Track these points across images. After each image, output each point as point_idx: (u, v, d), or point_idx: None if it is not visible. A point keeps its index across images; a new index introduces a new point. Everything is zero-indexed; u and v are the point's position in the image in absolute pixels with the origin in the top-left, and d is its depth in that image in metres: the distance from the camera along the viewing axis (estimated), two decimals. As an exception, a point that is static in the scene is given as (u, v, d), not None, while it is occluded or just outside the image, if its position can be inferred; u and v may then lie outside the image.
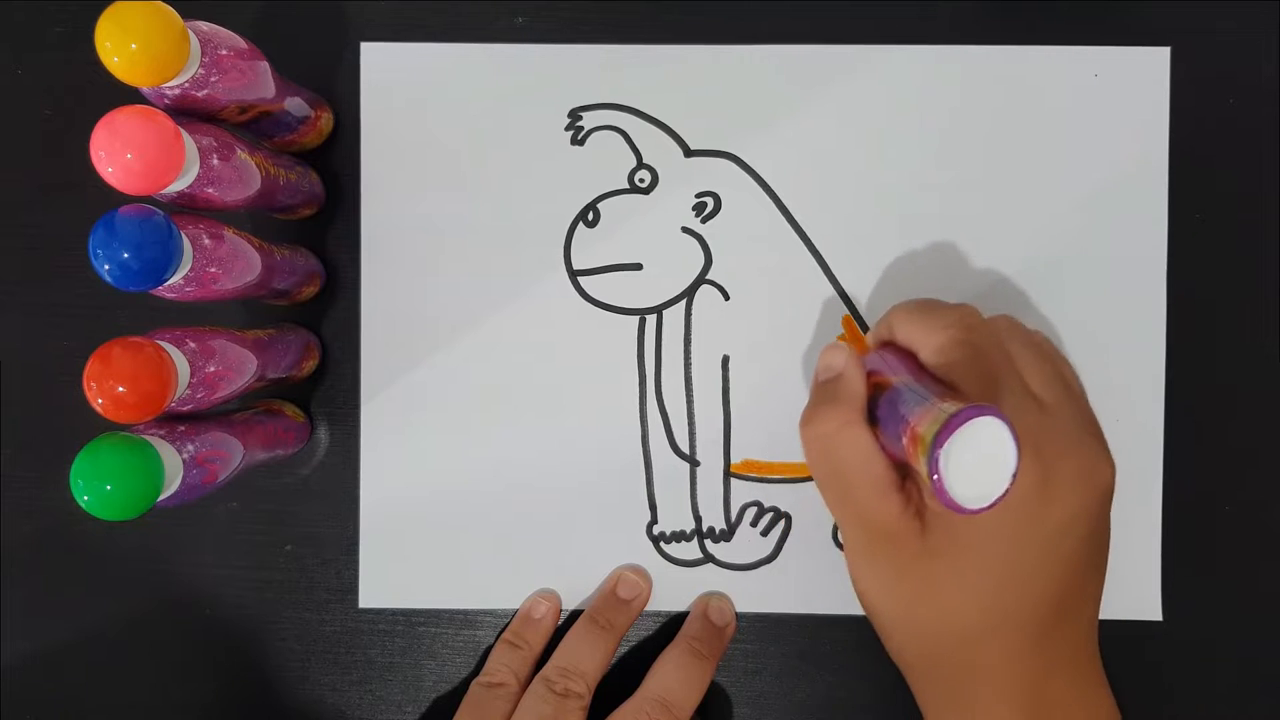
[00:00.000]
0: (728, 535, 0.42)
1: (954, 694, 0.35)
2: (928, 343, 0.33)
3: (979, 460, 0.27)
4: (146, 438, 0.31)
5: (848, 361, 0.35)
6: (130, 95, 0.31)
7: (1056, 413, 0.33)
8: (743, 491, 0.42)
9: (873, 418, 0.33)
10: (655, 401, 0.42)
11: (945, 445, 0.27)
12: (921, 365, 0.34)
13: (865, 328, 0.42)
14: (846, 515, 0.34)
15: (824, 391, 0.35)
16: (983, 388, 0.32)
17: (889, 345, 0.35)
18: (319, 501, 0.42)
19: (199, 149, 0.31)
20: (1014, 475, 0.28)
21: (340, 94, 0.42)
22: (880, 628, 0.35)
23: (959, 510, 0.28)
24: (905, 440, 0.30)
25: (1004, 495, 0.28)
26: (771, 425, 0.42)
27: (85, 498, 0.29)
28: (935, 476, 0.27)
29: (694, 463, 0.42)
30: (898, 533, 0.32)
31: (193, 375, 0.32)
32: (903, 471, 0.33)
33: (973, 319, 0.34)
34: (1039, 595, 0.32)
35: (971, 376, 0.32)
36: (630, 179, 0.42)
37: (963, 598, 0.33)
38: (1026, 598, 0.32)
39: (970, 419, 0.27)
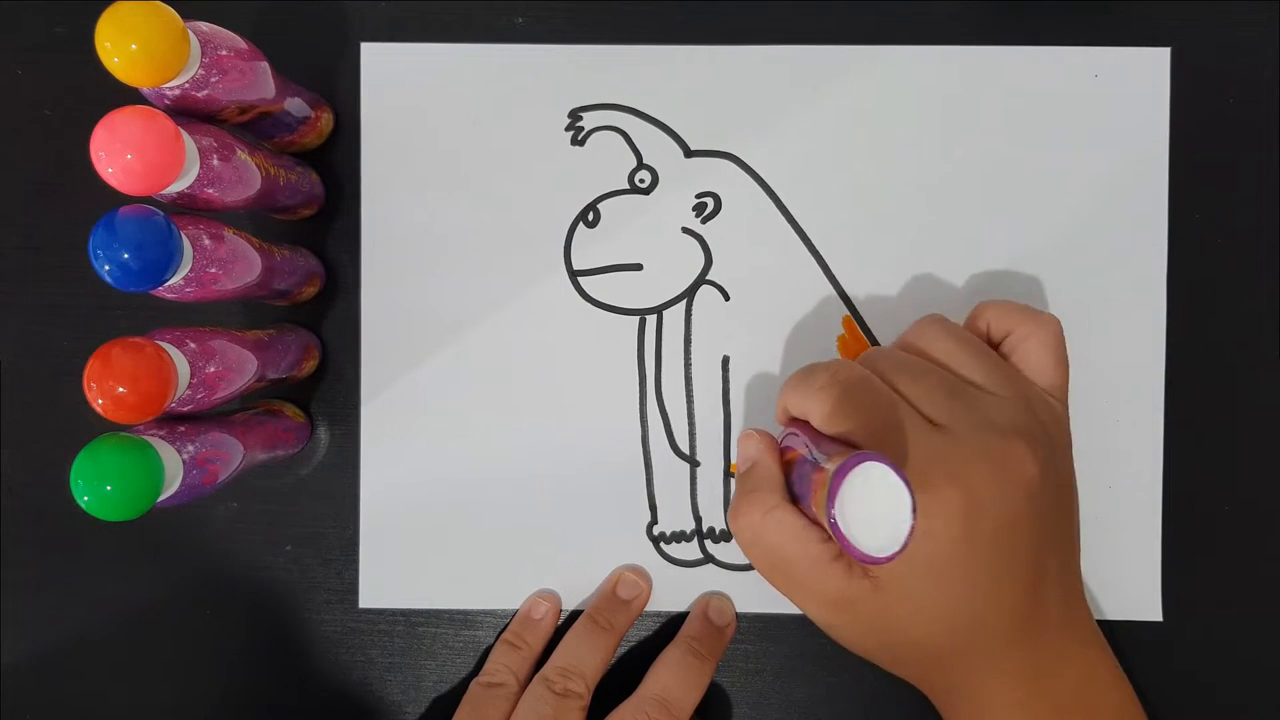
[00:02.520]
0: (728, 535, 0.42)
1: (953, 699, 0.35)
2: (817, 412, 0.33)
3: (876, 505, 0.28)
4: (146, 438, 0.31)
5: (759, 449, 0.35)
6: (130, 95, 0.31)
7: (955, 427, 0.33)
8: (743, 491, 0.42)
9: (796, 495, 0.33)
10: (655, 401, 0.42)
11: (835, 503, 0.27)
12: (822, 433, 0.34)
13: (865, 328, 0.42)
14: (796, 596, 0.35)
15: (744, 483, 0.35)
16: (876, 433, 0.32)
17: (793, 420, 0.36)
18: (319, 501, 0.42)
19: (199, 149, 0.31)
20: (913, 509, 0.27)
21: (340, 94, 0.42)
22: (873, 662, 0.36)
23: (875, 561, 0.28)
24: (814, 506, 0.30)
25: (911, 530, 0.27)
26: (771, 425, 0.42)
27: (85, 498, 0.29)
28: (839, 535, 0.27)
29: (694, 463, 0.42)
30: (850, 598, 0.33)
31: (193, 375, 0.32)
32: None
33: (845, 372, 0.34)
34: (999, 603, 0.33)
35: (862, 428, 0.32)
36: (630, 179, 0.42)
37: (925, 631, 0.33)
38: (987, 609, 0.33)
39: (850, 469, 0.27)
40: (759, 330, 0.42)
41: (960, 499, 0.32)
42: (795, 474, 0.33)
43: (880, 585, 0.33)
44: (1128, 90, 0.42)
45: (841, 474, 0.27)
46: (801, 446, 0.33)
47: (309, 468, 0.42)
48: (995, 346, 0.37)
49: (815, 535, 0.33)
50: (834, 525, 0.27)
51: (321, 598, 0.43)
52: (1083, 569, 0.41)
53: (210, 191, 0.32)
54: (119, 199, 0.29)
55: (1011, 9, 0.42)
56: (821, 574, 0.33)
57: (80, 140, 0.29)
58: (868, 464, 0.27)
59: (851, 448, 0.31)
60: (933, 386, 0.34)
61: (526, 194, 0.42)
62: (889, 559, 0.27)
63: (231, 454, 0.35)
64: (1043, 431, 0.34)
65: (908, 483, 0.27)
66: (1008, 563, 0.33)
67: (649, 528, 0.42)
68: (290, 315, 0.42)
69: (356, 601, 0.42)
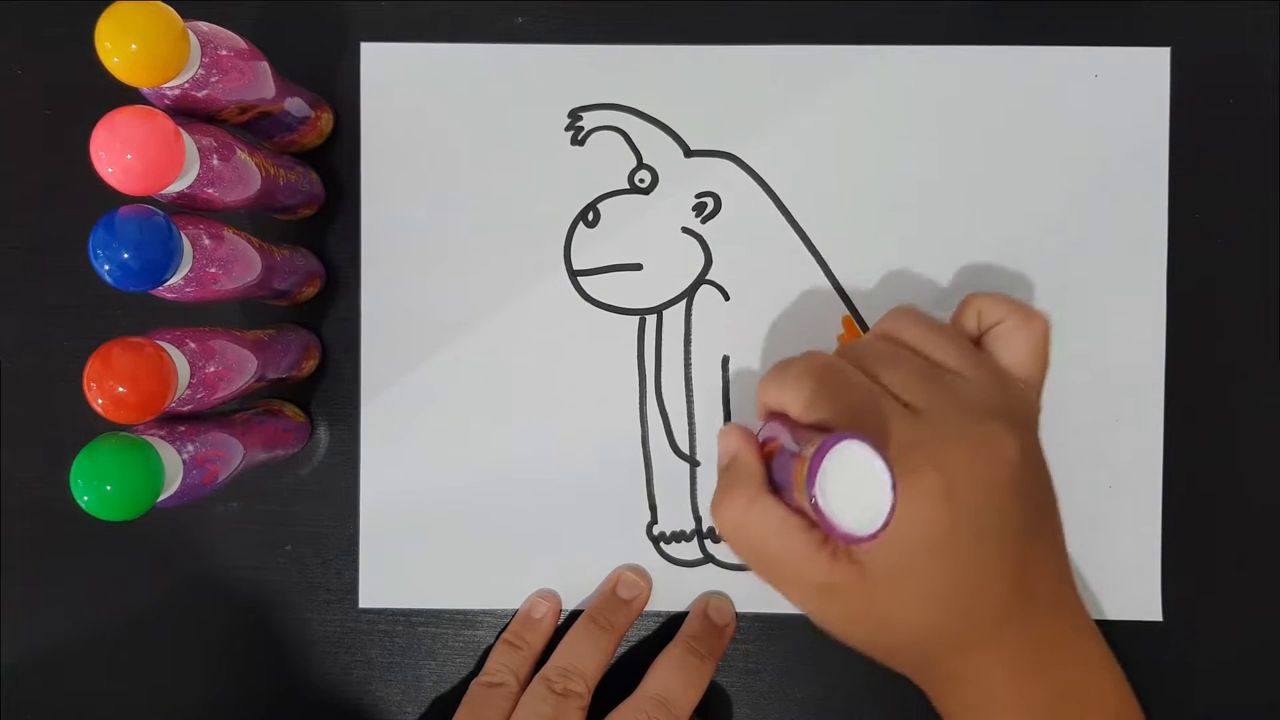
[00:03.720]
0: (728, 535, 0.42)
1: (946, 687, 0.35)
2: (795, 403, 0.34)
3: (857, 486, 0.28)
4: (146, 438, 0.31)
5: (738, 443, 0.35)
6: (130, 95, 0.31)
7: (932, 411, 0.33)
8: (743, 491, 0.42)
9: (777, 485, 0.33)
10: (655, 401, 0.42)
11: (816, 482, 0.28)
12: (801, 424, 0.34)
13: (865, 327, 0.42)
14: (782, 585, 0.35)
15: (725, 477, 0.35)
16: (853, 419, 0.32)
17: (772, 413, 0.36)
18: (319, 501, 0.42)
19: (199, 149, 0.31)
20: (893, 486, 0.28)
21: (340, 94, 0.42)
22: (865, 653, 0.36)
23: (857, 540, 0.28)
24: (794, 494, 0.30)
25: (892, 508, 0.28)
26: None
27: (85, 498, 0.29)
28: (821, 515, 0.28)
29: (694, 463, 0.42)
30: (836, 585, 0.33)
31: (193, 375, 0.32)
32: None
33: (820, 361, 0.34)
34: (988, 588, 0.33)
35: (839, 415, 0.32)
36: (630, 179, 0.42)
37: (914, 618, 0.33)
38: (976, 595, 0.33)
39: (829, 449, 0.28)
40: (759, 330, 0.42)
41: (940, 480, 0.31)
42: (775, 465, 0.33)
43: (866, 571, 0.32)
44: (1128, 90, 0.42)
45: (820, 454, 0.28)
46: (781, 438, 0.33)
47: (309, 468, 0.42)
48: (978, 337, 0.37)
49: (798, 524, 0.33)
50: (815, 505, 0.28)
51: (321, 598, 0.43)
52: (1083, 569, 0.41)
53: (210, 191, 0.32)
54: (119, 199, 0.29)
55: (1011, 9, 0.42)
56: (806, 562, 0.33)
57: (80, 140, 0.29)
58: (846, 443, 0.28)
59: (823, 434, 0.31)
60: (908, 372, 0.34)
61: (526, 194, 0.42)
62: (871, 537, 0.28)
63: (231, 454, 0.35)
64: (1019, 413, 0.35)
65: (886, 460, 0.28)
66: (994, 543, 0.33)
67: (649, 528, 0.42)
68: (290, 315, 0.42)
69: (356, 601, 0.42)
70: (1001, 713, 0.34)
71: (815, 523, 0.33)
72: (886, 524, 0.28)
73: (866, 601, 0.33)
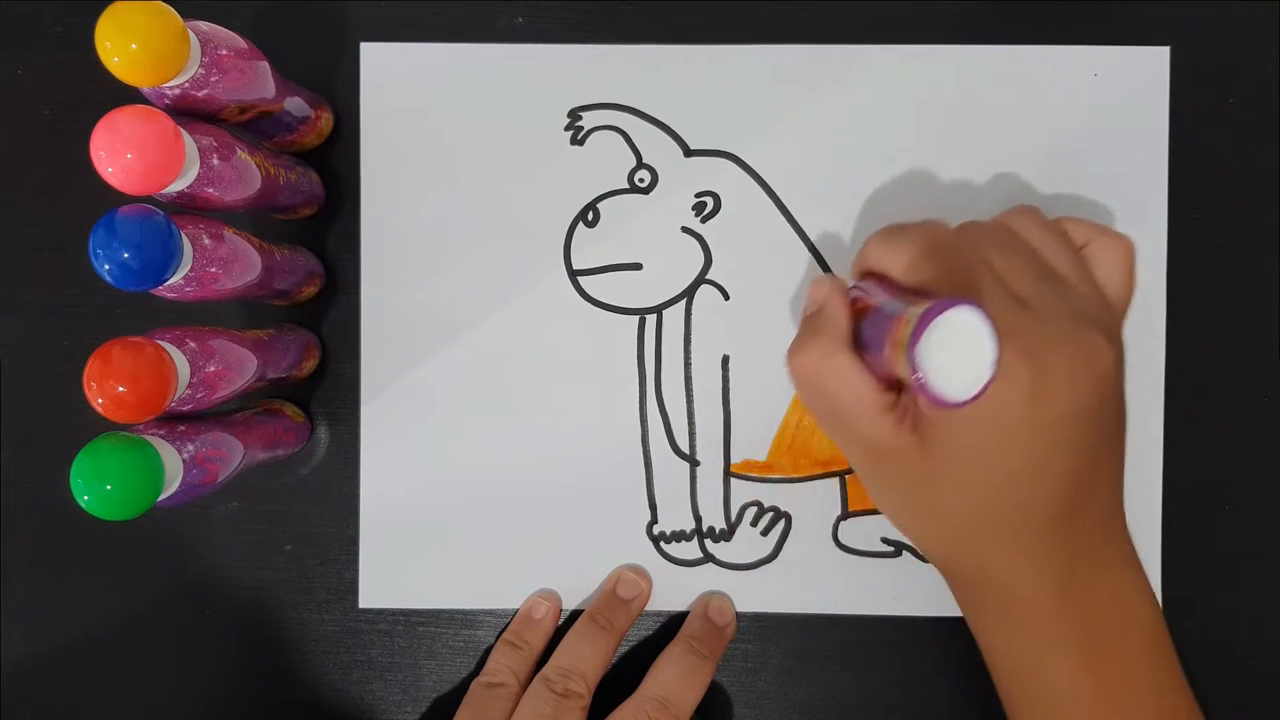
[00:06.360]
0: (728, 535, 0.42)
1: (980, 590, 0.35)
2: (898, 263, 0.33)
3: (958, 353, 0.27)
4: (146, 438, 0.31)
5: (830, 293, 0.35)
6: (130, 95, 0.31)
7: (1040, 307, 0.33)
8: (743, 491, 0.42)
9: (862, 343, 0.33)
10: (655, 401, 0.42)
11: (920, 341, 0.27)
12: (900, 287, 0.34)
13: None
14: (843, 440, 0.35)
15: (808, 325, 0.35)
16: (956, 291, 0.32)
17: (868, 274, 0.36)
18: (319, 501, 0.42)
19: (199, 149, 0.31)
20: (995, 361, 0.27)
21: (340, 94, 0.42)
22: (904, 535, 0.36)
23: (945, 404, 0.27)
24: (888, 351, 0.30)
25: (989, 382, 0.27)
26: (771, 425, 0.42)
27: (85, 498, 0.29)
28: (916, 375, 0.27)
29: (694, 463, 0.42)
30: (895, 450, 0.33)
31: (193, 375, 0.32)
32: (896, 392, 0.33)
33: (937, 231, 0.34)
34: (1044, 490, 0.32)
35: (944, 284, 0.32)
36: (630, 179, 0.42)
37: (964, 500, 0.33)
38: (1030, 494, 0.32)
39: (942, 311, 0.27)
40: (759, 330, 0.42)
41: (1033, 377, 0.31)
42: (866, 323, 0.33)
43: (929, 445, 0.32)
44: (1127, 89, 0.42)
45: (933, 313, 0.27)
46: (876, 297, 0.33)
47: (309, 468, 0.42)
48: None
49: (873, 384, 0.32)
50: (915, 360, 0.27)
51: (321, 598, 0.43)
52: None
53: (210, 191, 0.32)
54: (119, 199, 0.29)
55: (1011, 9, 0.42)
56: (871, 421, 0.33)
57: (80, 140, 0.29)
58: (959, 308, 0.27)
59: (929, 297, 0.31)
60: (1023, 266, 0.34)
61: (526, 194, 0.42)
62: (960, 404, 0.27)
63: (231, 454, 0.35)
64: (1117, 333, 0.34)
65: (994, 331, 0.27)
66: (1063, 452, 0.32)
67: (649, 527, 0.42)
68: (290, 315, 0.43)
69: (356, 601, 0.42)
70: (1032, 624, 0.34)
71: (890, 386, 0.33)
72: (980, 394, 0.27)
73: (920, 474, 0.33)
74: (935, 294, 0.32)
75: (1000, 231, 0.36)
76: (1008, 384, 0.31)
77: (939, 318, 0.27)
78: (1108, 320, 0.35)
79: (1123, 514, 0.35)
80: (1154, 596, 0.35)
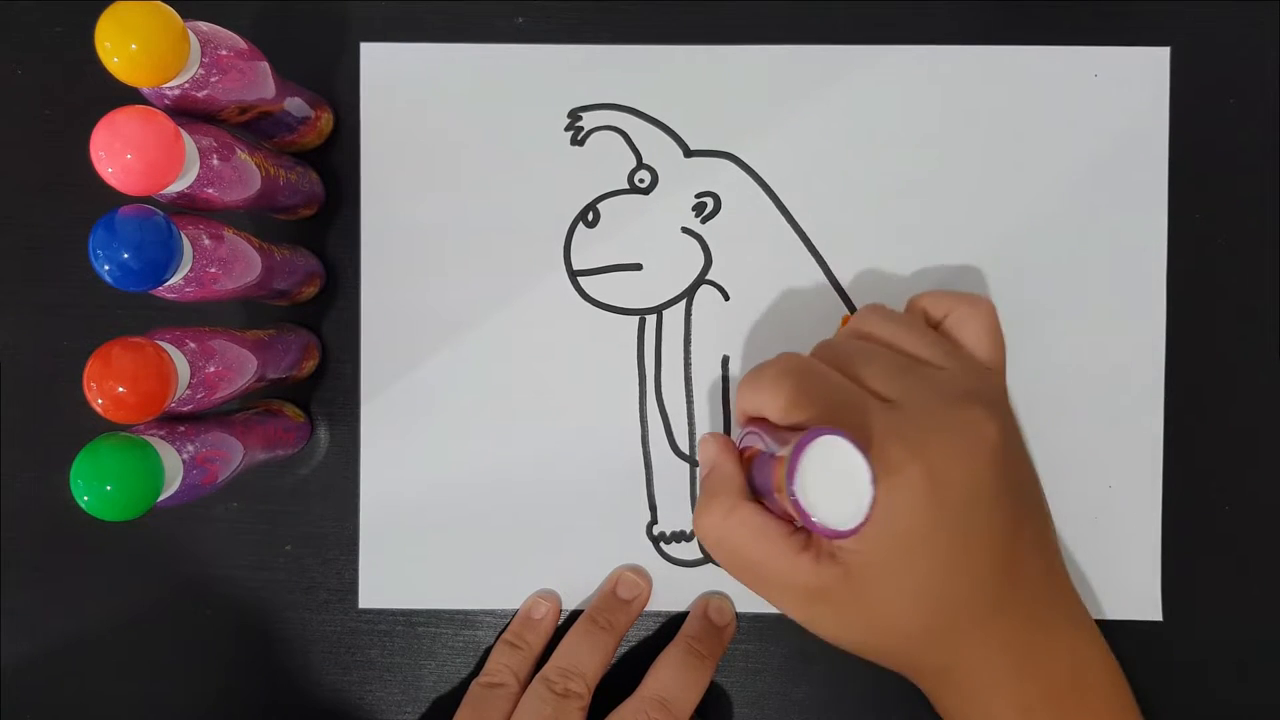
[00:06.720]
0: (728, 535, 0.42)
1: (941, 682, 0.35)
2: (769, 404, 0.33)
3: (835, 480, 0.28)
4: (146, 438, 0.31)
5: (717, 451, 0.36)
6: (130, 95, 0.31)
7: (909, 401, 0.33)
8: (743, 491, 0.42)
9: (760, 491, 0.33)
10: (655, 401, 0.42)
11: (795, 479, 0.27)
12: (779, 427, 0.34)
13: (865, 328, 0.42)
14: (772, 594, 0.34)
15: (705, 487, 0.35)
16: (831, 417, 0.32)
17: (751, 419, 0.36)
18: (319, 501, 0.42)
19: (199, 149, 0.31)
20: (872, 479, 0.27)
21: (340, 94, 0.42)
22: (864, 657, 0.36)
23: (839, 534, 0.27)
24: (776, 495, 0.30)
25: (873, 500, 0.27)
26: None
27: (85, 498, 0.29)
28: (802, 512, 0.27)
29: (694, 463, 0.42)
30: (822, 586, 0.33)
31: (193, 375, 0.32)
32: (807, 530, 0.33)
33: (794, 362, 0.34)
34: (973, 577, 0.33)
35: (819, 415, 0.32)
36: (630, 179, 0.42)
37: (901, 612, 0.33)
38: (962, 586, 0.33)
39: (806, 445, 0.27)
40: (759, 330, 0.42)
41: (922, 472, 0.31)
42: (756, 471, 0.33)
43: (851, 570, 0.32)
44: (1128, 90, 0.42)
45: (799, 450, 0.27)
46: (760, 443, 0.33)
47: (309, 468, 0.42)
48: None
49: (779, 530, 0.33)
50: (795, 501, 0.27)
51: (321, 598, 0.43)
52: (1083, 569, 0.41)
53: (210, 191, 0.32)
54: (119, 199, 0.29)
55: (1011, 9, 0.42)
56: (790, 566, 0.33)
57: (80, 140, 0.29)
58: (823, 438, 0.27)
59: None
60: (883, 366, 0.34)
61: (526, 194, 0.42)
62: (853, 531, 0.27)
63: (231, 454, 0.35)
64: (993, 397, 0.35)
65: (864, 451, 0.27)
66: (981, 532, 0.32)
67: (649, 528, 0.42)
68: (290, 315, 0.43)
69: (356, 601, 0.42)
70: (997, 703, 0.34)
71: (797, 528, 0.33)
72: (869, 517, 0.27)
73: (854, 602, 0.33)
74: (814, 426, 0.32)
75: (851, 341, 0.36)
76: (901, 488, 0.31)
77: (804, 452, 0.27)
78: (983, 388, 0.35)
79: (1062, 570, 0.35)
80: (1108, 649, 0.35)
